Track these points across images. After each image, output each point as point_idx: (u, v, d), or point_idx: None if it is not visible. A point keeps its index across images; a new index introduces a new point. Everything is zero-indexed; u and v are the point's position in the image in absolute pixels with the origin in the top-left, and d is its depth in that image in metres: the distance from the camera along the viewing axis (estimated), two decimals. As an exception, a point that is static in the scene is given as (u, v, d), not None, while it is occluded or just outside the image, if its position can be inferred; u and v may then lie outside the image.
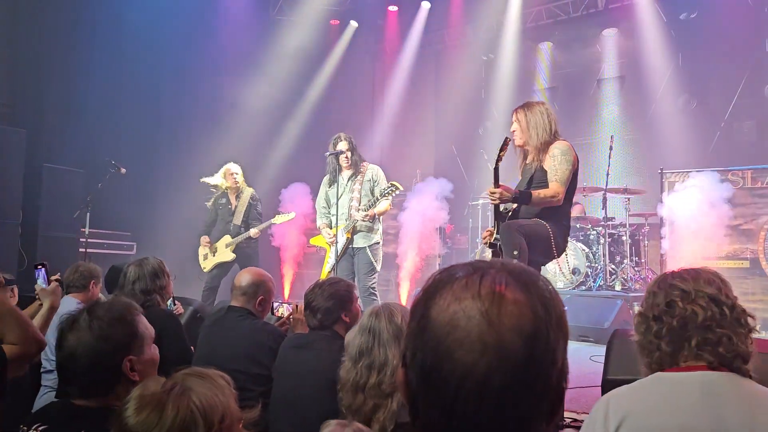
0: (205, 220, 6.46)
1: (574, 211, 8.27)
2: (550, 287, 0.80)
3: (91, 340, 1.62)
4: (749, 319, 1.48)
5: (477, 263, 0.81)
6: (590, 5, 9.41)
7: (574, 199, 8.21)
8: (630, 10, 8.89)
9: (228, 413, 1.16)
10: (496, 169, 3.62)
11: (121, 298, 2.32)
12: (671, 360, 1.48)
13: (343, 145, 5.28)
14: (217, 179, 6.36)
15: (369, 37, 10.93)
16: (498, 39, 9.94)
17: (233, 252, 6.17)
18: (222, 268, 6.22)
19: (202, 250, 6.33)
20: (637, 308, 1.62)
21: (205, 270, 6.24)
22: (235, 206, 6.30)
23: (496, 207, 3.71)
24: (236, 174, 6.30)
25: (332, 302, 2.61)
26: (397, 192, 5.19)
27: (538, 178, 3.70)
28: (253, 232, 6.20)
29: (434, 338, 0.75)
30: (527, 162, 3.79)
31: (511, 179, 3.89)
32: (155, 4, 8.06)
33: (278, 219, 6.41)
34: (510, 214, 3.85)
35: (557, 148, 3.67)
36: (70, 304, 3.33)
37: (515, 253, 3.31)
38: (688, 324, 1.45)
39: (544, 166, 3.68)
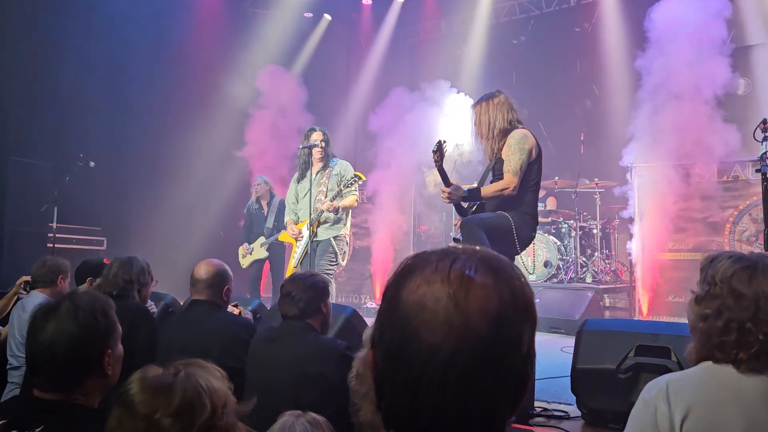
0: (243, 226, 7.51)
1: (549, 205, 8.39)
2: (521, 275, 0.81)
3: (74, 328, 1.60)
4: None
5: (449, 249, 0.82)
6: (562, 1, 9.51)
7: (549, 193, 8.43)
8: (600, 6, 9.01)
9: (229, 401, 1.19)
10: (439, 170, 3.69)
11: (97, 292, 2.28)
12: (736, 356, 1.46)
13: (317, 136, 5.26)
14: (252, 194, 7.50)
15: (343, 30, 10.88)
16: (471, 33, 9.97)
17: (266, 251, 7.12)
18: (258, 263, 7.19)
19: (242, 251, 7.30)
20: (697, 290, 1.57)
21: (243, 266, 7.24)
22: (267, 211, 7.31)
23: (457, 204, 3.79)
24: (258, 185, 7.36)
25: (313, 292, 2.61)
26: (361, 182, 5.21)
27: (498, 169, 3.75)
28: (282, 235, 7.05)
29: (402, 319, 0.77)
30: (488, 154, 3.85)
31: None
32: (125, -5, 7.93)
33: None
34: (476, 208, 3.90)
35: (512, 138, 3.71)
36: (37, 299, 3.28)
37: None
38: (764, 325, 1.43)
39: (502, 157, 3.73)
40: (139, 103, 8.57)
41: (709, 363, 1.51)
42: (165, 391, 1.13)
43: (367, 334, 2.07)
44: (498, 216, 3.65)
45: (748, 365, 1.44)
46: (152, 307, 3.97)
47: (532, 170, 3.72)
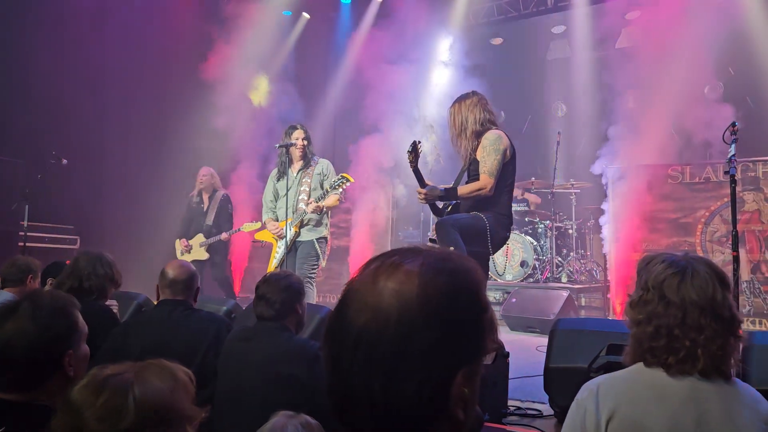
0: (183, 219, 6.92)
1: (531, 199, 8.47)
2: (471, 271, 0.82)
3: (32, 329, 1.57)
4: (741, 330, 1.53)
5: (405, 248, 0.84)
6: (540, 3, 9.59)
7: (529, 192, 8.49)
8: (576, 8, 9.11)
9: (170, 408, 1.12)
10: (415, 171, 3.72)
11: (60, 291, 2.24)
12: (665, 360, 1.50)
13: (298, 134, 5.22)
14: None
15: (321, 29, 10.85)
16: (450, 34, 10.01)
17: (207, 252, 6.65)
18: (197, 265, 6.55)
19: (179, 246, 6.78)
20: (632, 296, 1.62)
21: None
22: (208, 206, 6.78)
23: (433, 204, 3.82)
24: (204, 176, 6.82)
25: (287, 294, 2.60)
26: (348, 184, 5.17)
27: (474, 170, 3.79)
28: (224, 236, 6.64)
29: (339, 303, 0.82)
30: (463, 155, 3.89)
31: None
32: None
33: (246, 227, 6.45)
34: (450, 208, 3.94)
35: (486, 139, 3.75)
36: (5, 298, 3.22)
37: (451, 249, 3.39)
38: (690, 331, 1.47)
39: (477, 158, 3.76)
40: (113, 102, 8.45)
41: (640, 365, 1.55)
42: (96, 391, 1.10)
43: None
44: (473, 217, 3.69)
45: (677, 368, 1.48)
46: (114, 307, 3.85)
47: (506, 171, 3.77)
